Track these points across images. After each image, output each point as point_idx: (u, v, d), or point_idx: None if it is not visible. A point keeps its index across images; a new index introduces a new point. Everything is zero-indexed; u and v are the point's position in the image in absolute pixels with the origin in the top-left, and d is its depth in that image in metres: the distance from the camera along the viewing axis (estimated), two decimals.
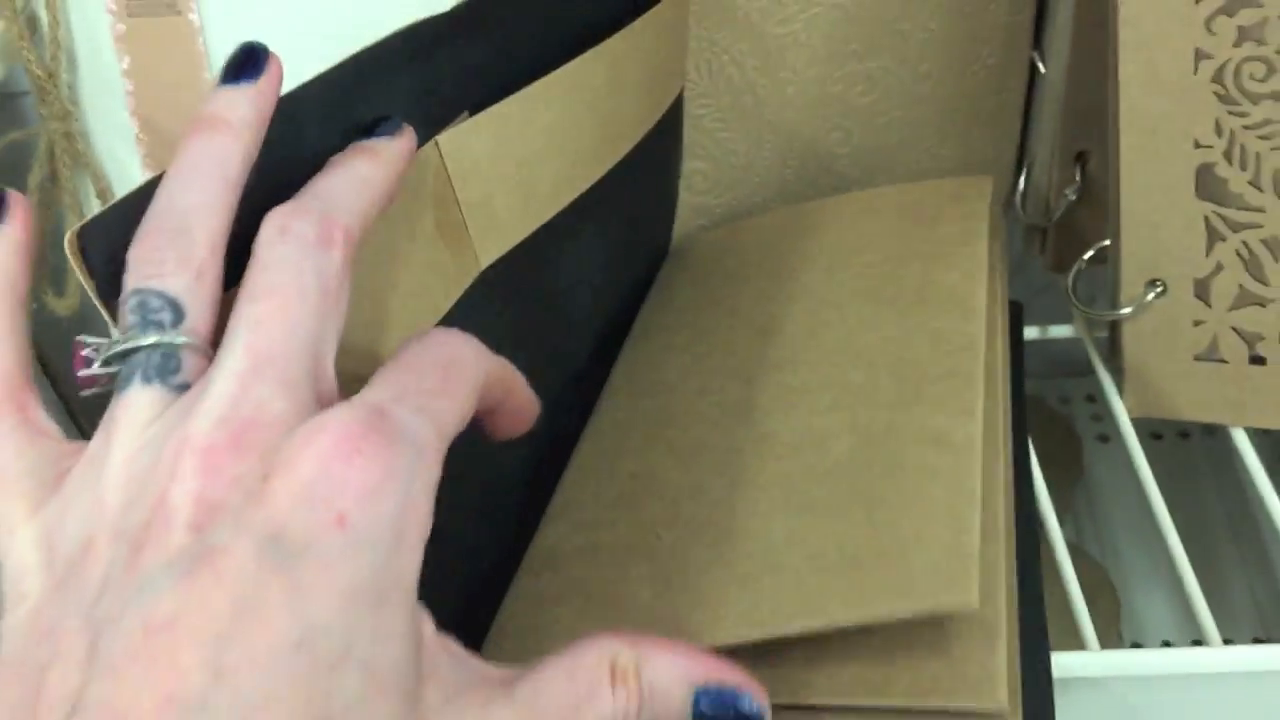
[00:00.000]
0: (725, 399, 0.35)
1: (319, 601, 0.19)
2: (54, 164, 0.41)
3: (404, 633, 0.21)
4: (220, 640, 0.19)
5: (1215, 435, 0.42)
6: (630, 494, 0.33)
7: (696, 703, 0.24)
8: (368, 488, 0.20)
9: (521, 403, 0.28)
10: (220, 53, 0.40)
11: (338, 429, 0.21)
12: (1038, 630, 0.29)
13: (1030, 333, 0.47)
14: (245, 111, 0.25)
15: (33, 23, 0.40)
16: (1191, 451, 0.70)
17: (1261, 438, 0.65)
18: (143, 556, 0.19)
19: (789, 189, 0.47)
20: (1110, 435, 0.69)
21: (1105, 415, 0.62)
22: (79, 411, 0.53)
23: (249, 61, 0.26)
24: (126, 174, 0.42)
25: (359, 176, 0.25)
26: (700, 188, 0.47)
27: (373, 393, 0.22)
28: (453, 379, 0.24)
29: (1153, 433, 0.73)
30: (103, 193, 0.41)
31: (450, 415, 0.23)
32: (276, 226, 0.23)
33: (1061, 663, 0.32)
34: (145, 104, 0.41)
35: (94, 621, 0.19)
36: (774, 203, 0.47)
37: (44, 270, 0.42)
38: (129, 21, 0.40)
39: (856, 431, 0.31)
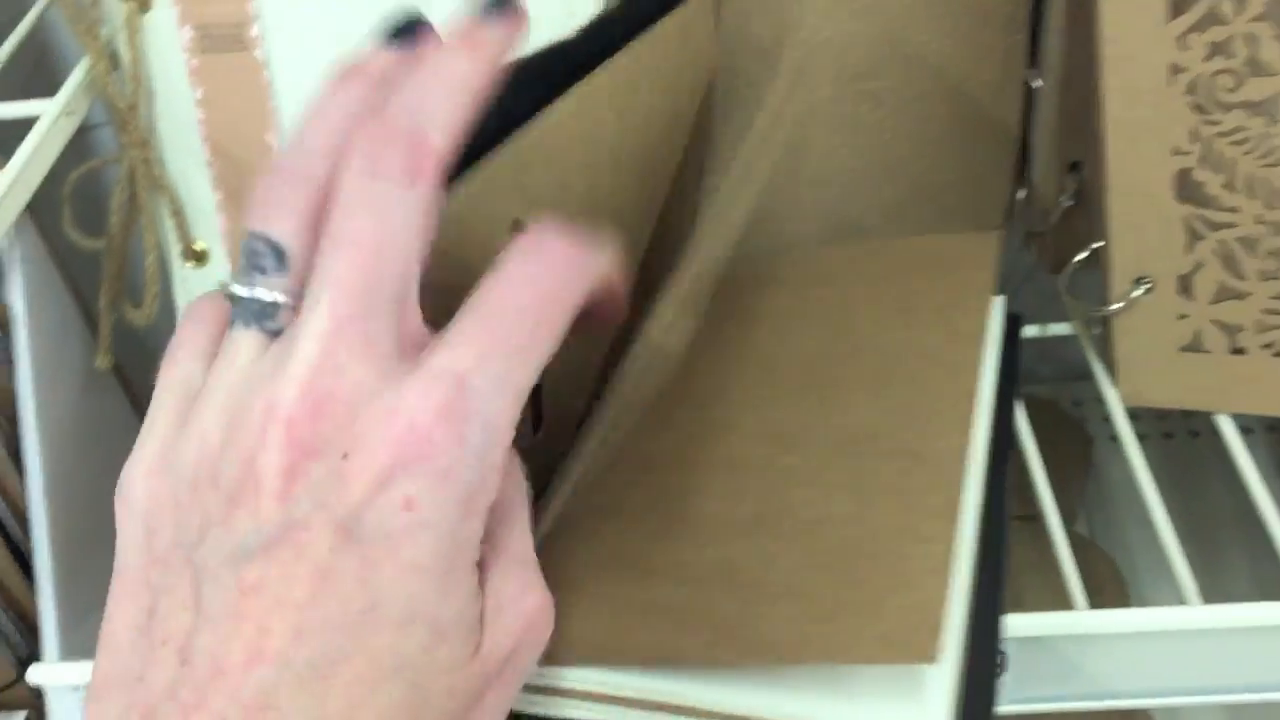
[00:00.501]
0: (700, 416, 0.37)
1: (386, 574, 0.22)
2: (134, 188, 0.45)
3: (465, 590, 0.23)
4: (300, 607, 0.22)
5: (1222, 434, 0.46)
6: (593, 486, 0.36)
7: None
8: (437, 473, 0.22)
9: (616, 301, 0.27)
10: (284, 85, 0.44)
11: (411, 417, 0.22)
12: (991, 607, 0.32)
13: (1031, 331, 0.50)
14: (388, 67, 0.25)
15: (115, 59, 0.44)
16: (1201, 449, 0.73)
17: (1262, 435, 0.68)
18: (236, 516, 0.22)
19: (803, 202, 0.51)
20: (1119, 436, 0.72)
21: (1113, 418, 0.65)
22: None
23: (407, 27, 0.26)
24: (198, 197, 0.46)
25: (457, 78, 0.24)
26: None
27: (451, 356, 0.23)
28: (544, 324, 0.23)
29: (1165, 432, 0.75)
30: (177, 214, 0.46)
31: (533, 372, 0.23)
32: (364, 156, 0.23)
33: (1051, 622, 0.35)
34: (216, 132, 0.45)
35: (196, 564, 0.23)
36: (788, 214, 0.51)
37: (123, 284, 0.46)
38: (201, 57, 0.44)
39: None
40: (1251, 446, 0.44)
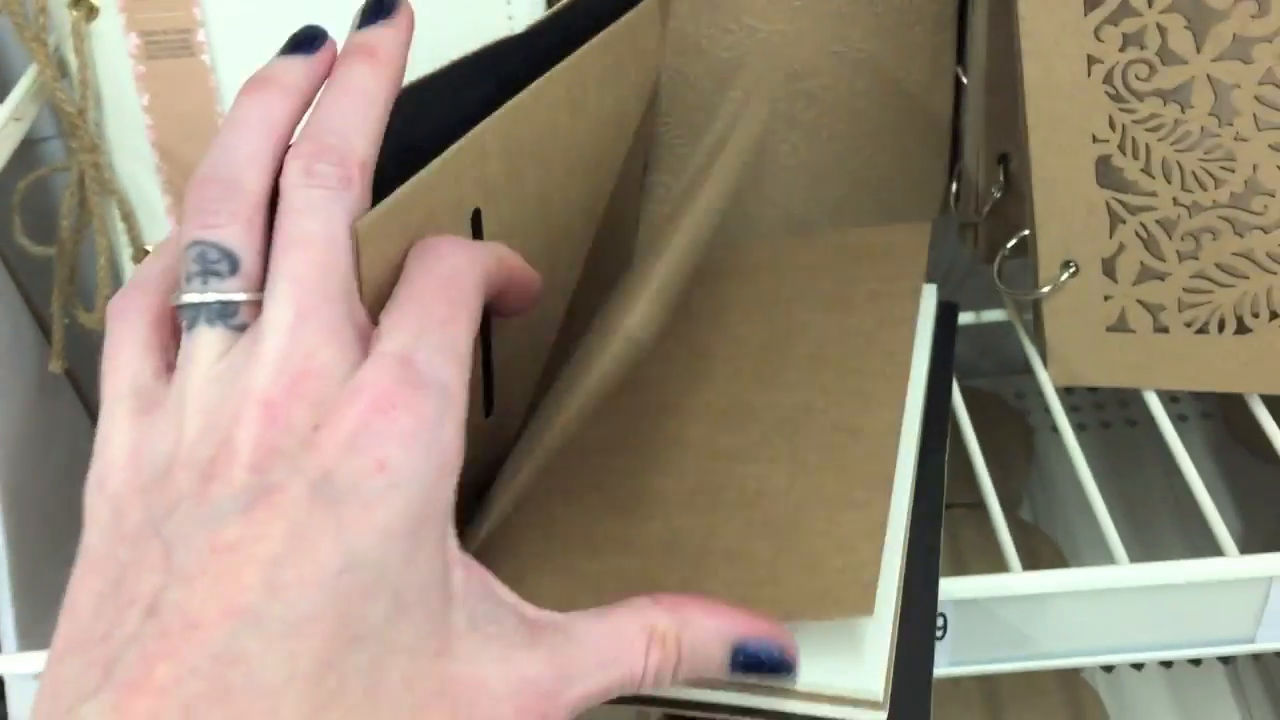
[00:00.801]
0: (644, 400, 0.39)
1: (360, 535, 0.23)
2: (83, 192, 0.45)
3: (432, 560, 0.24)
4: (275, 563, 0.22)
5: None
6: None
7: (734, 657, 0.27)
8: (405, 434, 0.24)
9: (523, 281, 0.30)
10: (230, 88, 0.45)
11: (374, 389, 0.24)
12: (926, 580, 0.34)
13: (967, 318, 0.52)
14: (297, 76, 0.28)
15: (63, 66, 0.44)
16: (1137, 437, 0.75)
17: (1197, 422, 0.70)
18: (211, 488, 0.23)
19: (743, 198, 0.52)
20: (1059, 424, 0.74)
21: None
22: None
23: (307, 39, 0.29)
24: (148, 199, 0.46)
25: (364, 93, 0.27)
26: (663, 198, 0.52)
27: (392, 341, 0.25)
28: (457, 299, 0.26)
29: (1103, 421, 0.78)
30: (127, 216, 0.46)
31: (464, 338, 0.26)
32: (301, 169, 0.25)
33: (988, 584, 0.36)
34: (164, 136, 0.46)
35: (167, 536, 0.23)
36: (732, 211, 0.52)
37: (75, 288, 0.47)
38: (148, 63, 0.45)
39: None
40: (1186, 433, 0.46)
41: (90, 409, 0.54)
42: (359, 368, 0.25)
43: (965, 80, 0.51)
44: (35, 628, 0.45)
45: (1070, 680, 0.59)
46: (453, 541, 0.25)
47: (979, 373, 0.79)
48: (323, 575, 0.23)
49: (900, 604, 0.32)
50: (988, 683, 0.59)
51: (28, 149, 0.47)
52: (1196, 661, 0.64)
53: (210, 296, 0.25)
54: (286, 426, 0.24)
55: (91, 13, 0.44)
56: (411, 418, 0.24)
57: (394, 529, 0.23)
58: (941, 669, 0.38)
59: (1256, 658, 0.64)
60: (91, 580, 0.24)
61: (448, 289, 0.26)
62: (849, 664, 0.29)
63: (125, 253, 0.47)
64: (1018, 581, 0.36)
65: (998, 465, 0.46)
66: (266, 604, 0.22)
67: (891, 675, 0.30)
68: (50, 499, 0.49)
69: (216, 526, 0.23)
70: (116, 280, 0.47)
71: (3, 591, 0.45)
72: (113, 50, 0.44)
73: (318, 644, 0.22)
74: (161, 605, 0.22)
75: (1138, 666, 0.64)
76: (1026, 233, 0.46)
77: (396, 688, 0.23)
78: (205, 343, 0.25)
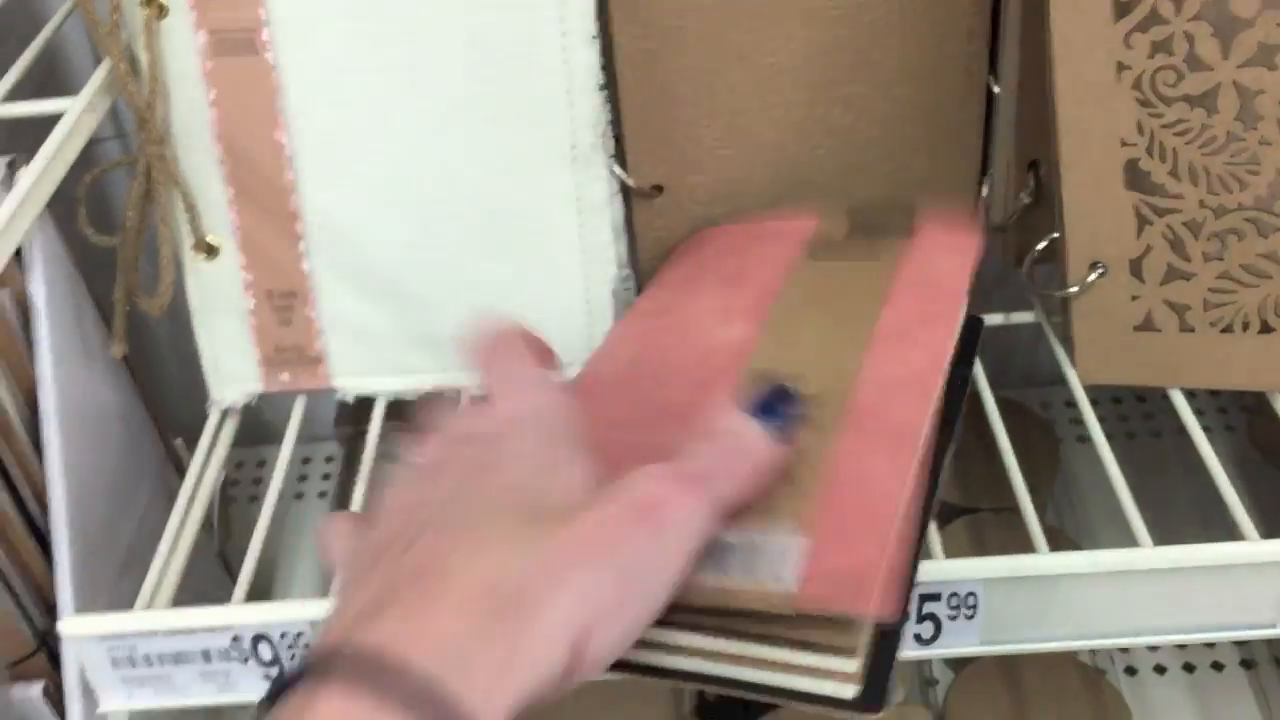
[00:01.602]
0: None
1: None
2: (149, 183, 0.47)
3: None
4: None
5: (1184, 434, 0.48)
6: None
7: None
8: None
9: None
10: (291, 86, 0.47)
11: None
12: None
13: (995, 319, 0.53)
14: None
15: (133, 62, 0.47)
16: (1163, 449, 0.76)
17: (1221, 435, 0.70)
18: None
19: (780, 200, 0.54)
20: (1086, 436, 0.75)
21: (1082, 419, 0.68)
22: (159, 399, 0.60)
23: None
24: (211, 193, 0.49)
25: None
26: (703, 199, 0.53)
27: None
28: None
29: (1128, 433, 0.79)
30: (190, 207, 0.48)
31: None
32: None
33: (1018, 564, 0.38)
34: (228, 131, 0.48)
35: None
36: (767, 211, 0.54)
37: (137, 275, 0.49)
38: (214, 60, 0.47)
39: None
40: (1209, 444, 0.46)
41: (144, 394, 0.56)
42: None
43: (996, 89, 0.53)
44: (93, 602, 0.47)
45: (1095, 681, 0.60)
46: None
47: (1008, 384, 0.80)
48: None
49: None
50: (1013, 681, 0.60)
51: (86, 148, 0.49)
52: (1219, 666, 0.65)
53: None
54: None
55: (162, 11, 0.46)
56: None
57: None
58: (972, 648, 0.39)
59: (1279, 663, 0.65)
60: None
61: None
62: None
63: (186, 242, 0.49)
64: (1045, 562, 0.38)
65: (1025, 472, 0.47)
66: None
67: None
68: (107, 475, 0.51)
69: None
70: (177, 268, 0.49)
71: (62, 559, 0.46)
72: (181, 47, 0.47)
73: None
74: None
75: (1160, 670, 0.65)
76: (1055, 235, 0.48)
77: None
78: None
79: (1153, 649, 0.67)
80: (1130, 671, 0.65)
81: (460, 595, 0.26)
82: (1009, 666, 0.61)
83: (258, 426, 0.57)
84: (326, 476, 0.79)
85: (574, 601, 0.27)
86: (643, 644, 0.31)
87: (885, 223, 0.49)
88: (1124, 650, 0.67)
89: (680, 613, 0.30)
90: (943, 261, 0.46)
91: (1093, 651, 0.67)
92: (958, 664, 0.65)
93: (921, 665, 0.66)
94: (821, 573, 0.30)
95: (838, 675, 0.30)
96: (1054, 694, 0.61)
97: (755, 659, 0.31)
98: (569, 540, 0.28)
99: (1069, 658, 0.62)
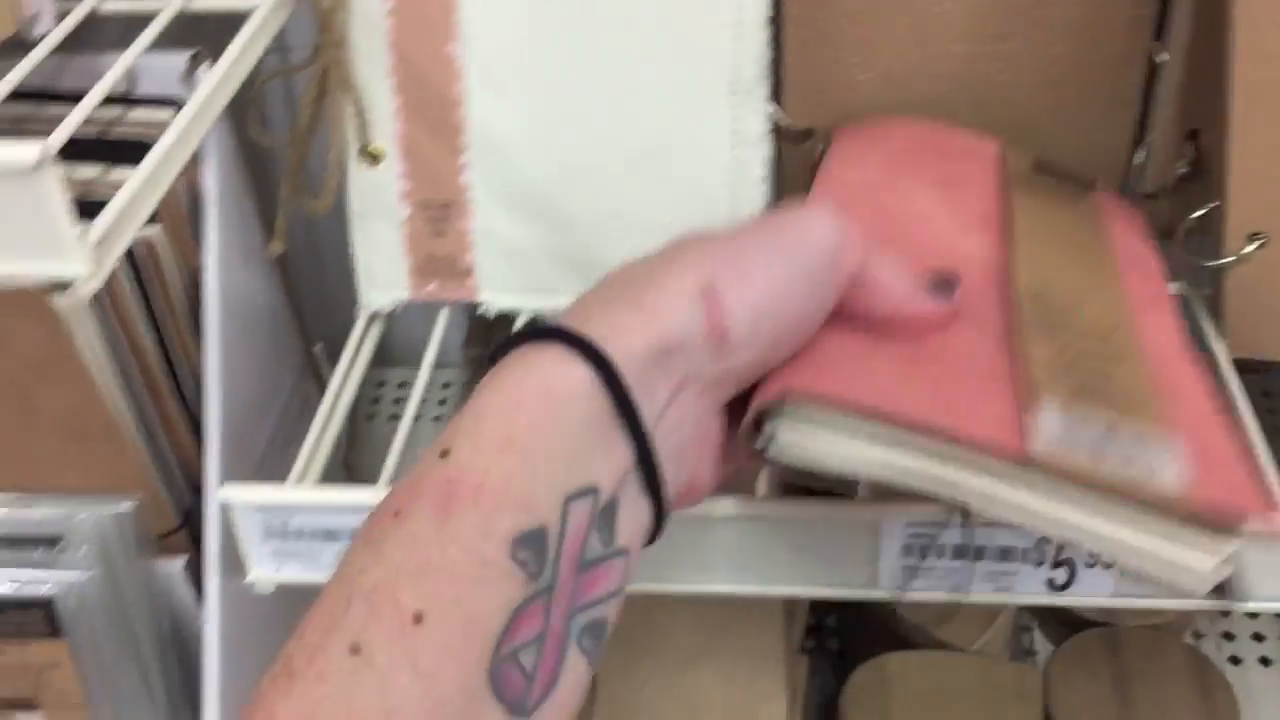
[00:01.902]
0: None
1: None
2: (324, 85, 0.49)
3: None
4: None
5: None
6: None
7: None
8: None
9: None
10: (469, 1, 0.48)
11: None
12: None
13: None
14: None
15: None
16: None
17: None
18: None
19: None
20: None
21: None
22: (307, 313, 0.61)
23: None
24: (379, 101, 0.50)
25: None
26: None
27: None
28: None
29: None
30: (359, 115, 0.50)
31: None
32: None
33: None
34: (402, 41, 0.49)
35: None
36: None
37: (304, 177, 0.51)
38: None
39: None
40: None
41: (291, 292, 0.58)
42: None
43: (1160, 56, 0.52)
44: (236, 468, 0.49)
45: (1201, 663, 0.59)
46: None
47: None
48: None
49: None
50: (1115, 658, 0.60)
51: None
52: None
53: None
54: None
55: None
56: None
57: None
58: (1103, 599, 0.39)
59: None
60: None
61: None
62: None
63: (351, 148, 0.51)
64: None
65: None
66: None
67: None
68: (254, 367, 0.53)
69: None
70: (342, 172, 0.51)
71: (214, 435, 0.48)
72: None
73: None
74: None
75: (1265, 662, 0.64)
76: (1215, 205, 0.47)
77: None
78: None
79: (1259, 639, 0.66)
80: (1234, 661, 0.65)
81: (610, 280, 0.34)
82: (1110, 642, 0.61)
83: (381, 349, 0.56)
84: (443, 402, 0.80)
85: (689, 262, 0.32)
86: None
87: (1067, 171, 0.49)
88: (1229, 638, 0.66)
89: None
90: (1133, 229, 0.46)
91: (1196, 637, 0.66)
92: (1057, 637, 0.65)
93: (1020, 635, 0.66)
94: (1206, 477, 0.33)
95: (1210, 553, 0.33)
96: (1157, 674, 0.60)
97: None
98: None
99: (1175, 638, 0.62)
